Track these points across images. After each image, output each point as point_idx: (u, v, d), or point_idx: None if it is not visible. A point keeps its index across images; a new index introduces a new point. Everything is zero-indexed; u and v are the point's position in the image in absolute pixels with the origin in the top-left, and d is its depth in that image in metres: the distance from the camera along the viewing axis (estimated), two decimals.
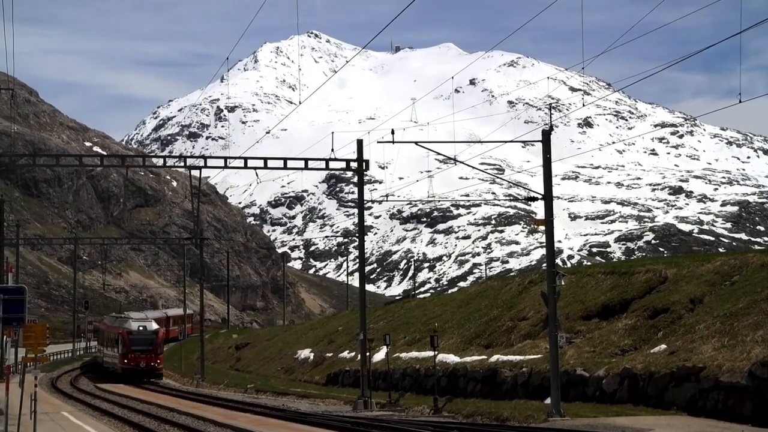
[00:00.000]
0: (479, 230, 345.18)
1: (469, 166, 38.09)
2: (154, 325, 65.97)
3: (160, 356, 65.38)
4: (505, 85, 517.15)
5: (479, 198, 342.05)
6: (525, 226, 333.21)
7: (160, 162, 50.36)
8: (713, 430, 27.50)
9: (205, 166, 45.67)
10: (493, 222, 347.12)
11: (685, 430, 27.33)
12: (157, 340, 64.48)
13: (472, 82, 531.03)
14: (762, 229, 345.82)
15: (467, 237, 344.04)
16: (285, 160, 42.56)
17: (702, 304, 38.31)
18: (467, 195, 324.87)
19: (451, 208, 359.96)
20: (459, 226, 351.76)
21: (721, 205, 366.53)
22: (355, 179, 43.68)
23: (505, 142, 37.34)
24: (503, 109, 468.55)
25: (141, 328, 64.14)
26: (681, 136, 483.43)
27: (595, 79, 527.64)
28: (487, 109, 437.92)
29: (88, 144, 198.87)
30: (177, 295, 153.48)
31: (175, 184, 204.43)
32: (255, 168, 42.55)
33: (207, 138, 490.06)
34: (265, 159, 42.59)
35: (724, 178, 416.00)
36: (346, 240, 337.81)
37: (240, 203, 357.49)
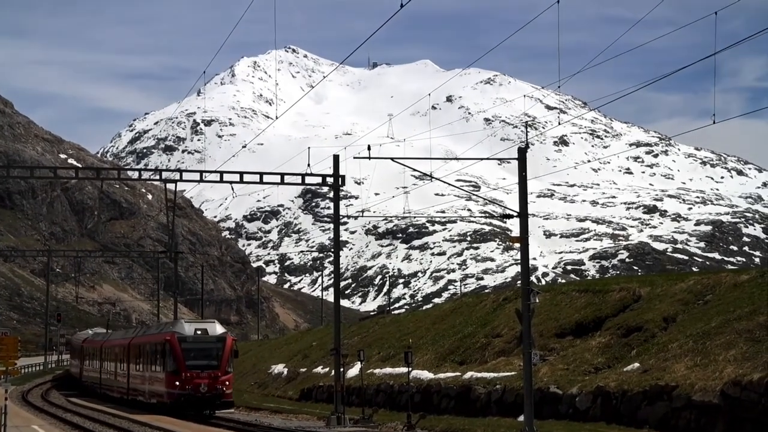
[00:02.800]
0: (454, 247, 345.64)
1: (445, 182, 38.15)
2: (219, 329, 45.18)
3: (229, 375, 43.72)
4: (481, 103, 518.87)
5: (455, 215, 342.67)
6: (500, 243, 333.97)
7: (136, 175, 50.40)
8: None
9: (181, 180, 45.63)
10: (469, 239, 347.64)
11: None
12: (224, 350, 43.48)
13: (448, 99, 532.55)
14: (735, 248, 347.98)
15: (442, 253, 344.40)
16: (261, 174, 42.57)
17: (675, 323, 38.49)
18: (443, 211, 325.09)
19: (427, 225, 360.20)
20: (434, 243, 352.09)
21: (695, 225, 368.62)
22: (331, 194, 43.67)
23: (481, 159, 37.42)
24: (480, 127, 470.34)
25: (199, 332, 43.98)
26: (656, 156, 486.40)
27: (571, 97, 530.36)
28: (463, 126, 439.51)
29: (62, 156, 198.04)
30: (151, 309, 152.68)
31: (150, 197, 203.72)
32: (231, 182, 42.51)
33: (183, 151, 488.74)
34: (241, 173, 42.54)
35: (698, 197, 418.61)
36: (321, 255, 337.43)
37: (215, 217, 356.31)
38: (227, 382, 43.06)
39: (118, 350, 55.84)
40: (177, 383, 42.50)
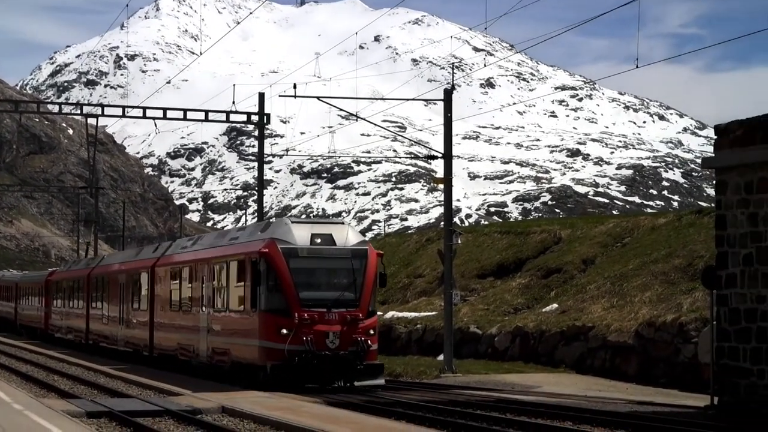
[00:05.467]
0: (379, 187, 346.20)
1: (371, 123, 38.11)
2: (353, 235, 27.14)
3: (374, 319, 26.49)
4: (409, 43, 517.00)
5: (380, 155, 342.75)
6: (425, 184, 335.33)
7: (56, 108, 49.38)
8: (599, 388, 28.25)
9: (103, 115, 44.96)
10: (394, 179, 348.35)
11: (572, 388, 28.02)
12: (365, 273, 26.28)
13: (376, 38, 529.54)
14: (654, 192, 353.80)
15: (367, 194, 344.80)
16: (185, 111, 42.18)
17: (594, 265, 39.20)
18: (368, 152, 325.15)
19: (352, 165, 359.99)
20: (359, 183, 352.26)
21: (617, 169, 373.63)
22: (256, 133, 43.39)
23: (408, 99, 37.46)
24: (407, 67, 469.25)
25: (320, 240, 26.26)
26: (580, 100, 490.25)
27: (498, 40, 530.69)
28: (390, 67, 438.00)
29: None
30: (71, 245, 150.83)
31: (71, 131, 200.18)
32: (154, 118, 42.14)
33: (105, 86, 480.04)
34: (165, 109, 42.14)
35: (620, 141, 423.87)
36: (245, 193, 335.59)
37: (138, 153, 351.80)
38: (371, 331, 25.95)
39: (137, 275, 37.03)
40: (283, 332, 25.10)
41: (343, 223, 27.78)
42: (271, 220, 30.54)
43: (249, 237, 28.20)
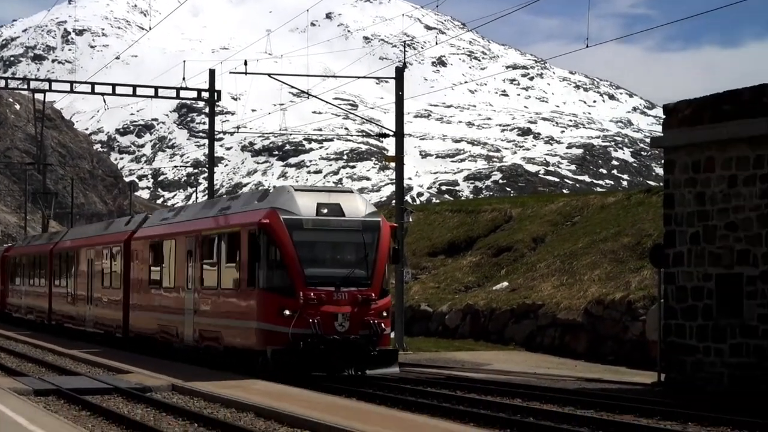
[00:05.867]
0: (331, 165, 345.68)
1: (322, 100, 38.02)
2: (363, 204, 24.39)
3: (387, 300, 23.95)
4: (361, 20, 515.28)
5: (332, 133, 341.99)
6: (376, 162, 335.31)
7: (2, 83, 48.62)
8: (549, 365, 28.51)
9: (50, 90, 44.46)
10: (345, 157, 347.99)
11: (522, 365, 28.24)
12: (377, 248, 23.56)
13: (328, 15, 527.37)
14: (604, 171, 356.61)
15: (319, 171, 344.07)
16: (134, 87, 41.85)
17: (544, 244, 39.49)
18: (320, 129, 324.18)
19: (304, 142, 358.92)
20: (311, 161, 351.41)
21: (567, 148, 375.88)
22: (207, 110, 43.13)
23: (359, 77, 37.43)
24: (359, 45, 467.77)
25: (326, 211, 23.56)
26: (531, 79, 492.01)
27: (450, 18, 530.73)
28: (342, 44, 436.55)
29: None
30: (18, 222, 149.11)
31: (18, 107, 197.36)
32: (103, 94, 41.75)
33: (53, 61, 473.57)
34: (114, 85, 41.74)
35: (570, 120, 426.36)
36: (195, 171, 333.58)
37: (87, 129, 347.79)
38: (385, 313, 23.40)
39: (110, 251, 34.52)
40: (286, 313, 22.59)
41: (352, 192, 25.21)
42: (268, 188, 27.11)
43: (244, 207, 25.54)
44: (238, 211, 25.67)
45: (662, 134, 24.95)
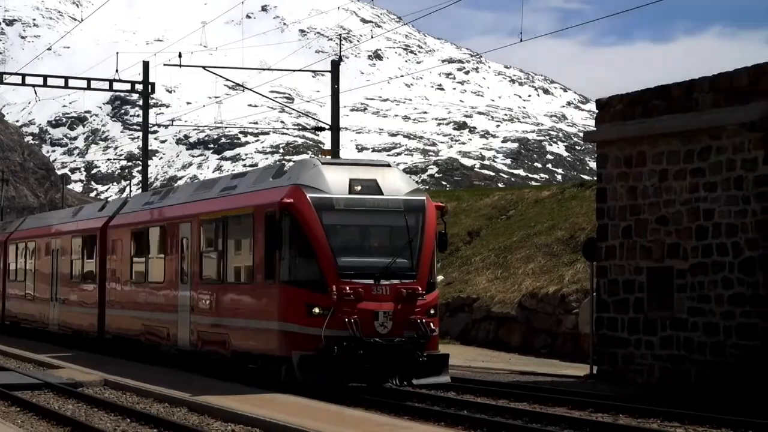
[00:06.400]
0: (267, 158, 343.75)
1: (258, 93, 37.82)
2: (403, 181, 20.86)
3: (435, 294, 20.40)
4: (296, 13, 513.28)
5: (268, 126, 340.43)
6: (312, 155, 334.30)
7: None
8: (483, 358, 28.70)
9: None
10: (281, 151, 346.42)
11: (457, 359, 28.38)
12: (422, 232, 20.27)
13: (263, 8, 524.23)
14: (539, 166, 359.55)
15: (255, 165, 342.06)
16: (66, 78, 41.39)
17: (479, 237, 39.74)
18: (256, 123, 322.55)
19: (240, 136, 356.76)
20: (246, 154, 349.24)
21: (502, 142, 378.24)
22: (141, 102, 42.72)
23: (295, 70, 37.32)
24: (295, 38, 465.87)
25: (360, 188, 20.01)
26: (467, 73, 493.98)
27: (386, 11, 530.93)
28: (278, 37, 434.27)
29: None
30: None
31: None
32: (34, 85, 41.21)
33: None
34: (45, 76, 41.23)
35: (506, 115, 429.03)
36: (129, 164, 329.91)
37: (17, 121, 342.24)
38: (432, 310, 20.07)
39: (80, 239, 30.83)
40: (316, 311, 19.24)
41: (389, 165, 21.18)
42: (284, 163, 22.93)
43: (255, 185, 21.99)
44: (248, 190, 22.07)
45: (595, 129, 25.22)
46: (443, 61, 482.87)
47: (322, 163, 20.43)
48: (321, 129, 35.91)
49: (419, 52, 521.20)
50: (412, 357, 19.15)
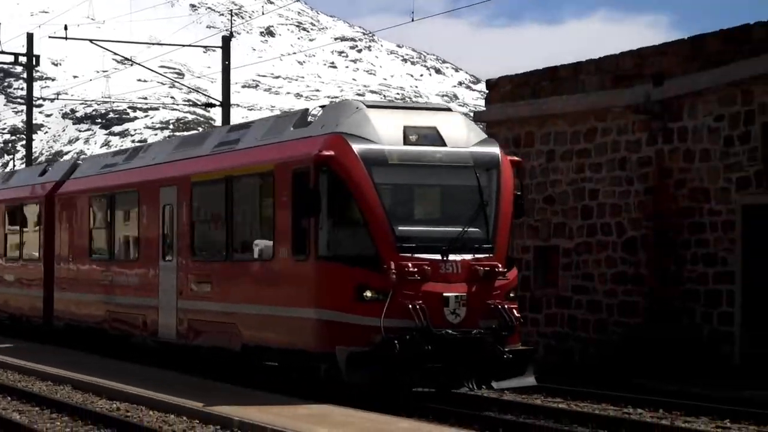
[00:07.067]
0: (156, 134, 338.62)
1: (147, 68, 37.25)
2: (473, 131, 16.05)
3: (514, 272, 15.59)
4: None
5: (157, 102, 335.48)
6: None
7: None
8: None
9: None
10: (171, 127, 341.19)
11: None
12: (499, 195, 15.33)
13: None
14: None
15: (144, 141, 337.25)
16: None
17: None
18: (145, 98, 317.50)
19: (128, 111, 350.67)
20: (135, 129, 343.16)
21: None
22: (25, 75, 41.72)
23: (185, 45, 36.86)
24: (185, 12, 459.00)
25: (415, 138, 15.28)
26: (360, 51, 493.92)
27: None
28: (168, 11, 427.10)
29: None
30: None
31: None
32: None
33: None
34: None
35: (398, 94, 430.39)
36: (13, 138, 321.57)
37: None
38: (512, 293, 15.66)
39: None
40: (368, 296, 14.75)
41: (450, 110, 16.60)
42: (308, 109, 17.14)
43: (271, 136, 17.19)
44: (259, 143, 17.38)
45: (485, 109, 25.50)
46: (336, 38, 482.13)
47: (368, 106, 15.84)
48: (212, 105, 35.60)
49: (312, 29, 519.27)
50: (493, 353, 14.75)
